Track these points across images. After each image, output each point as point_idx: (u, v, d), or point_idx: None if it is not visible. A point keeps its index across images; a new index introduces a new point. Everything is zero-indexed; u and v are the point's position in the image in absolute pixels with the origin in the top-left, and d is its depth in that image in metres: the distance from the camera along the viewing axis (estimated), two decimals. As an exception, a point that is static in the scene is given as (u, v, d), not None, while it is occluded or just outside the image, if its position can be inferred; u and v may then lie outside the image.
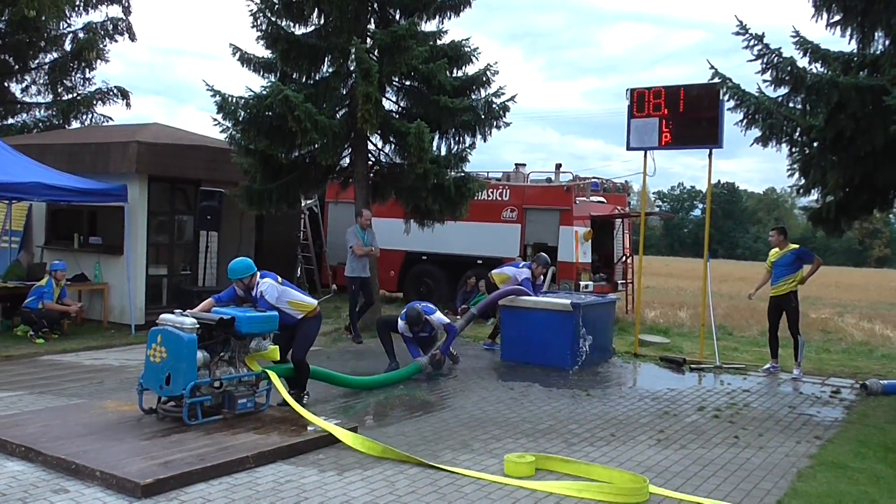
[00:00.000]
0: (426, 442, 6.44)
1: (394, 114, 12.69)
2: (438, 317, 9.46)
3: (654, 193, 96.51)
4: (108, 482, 4.88)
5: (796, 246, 10.61)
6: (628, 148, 11.60)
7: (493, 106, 12.56)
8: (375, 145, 13.06)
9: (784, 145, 9.84)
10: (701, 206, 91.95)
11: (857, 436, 7.12)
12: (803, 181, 10.43)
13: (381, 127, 11.97)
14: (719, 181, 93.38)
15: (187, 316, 6.40)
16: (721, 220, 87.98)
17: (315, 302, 7.76)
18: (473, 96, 12.88)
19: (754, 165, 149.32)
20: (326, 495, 5.04)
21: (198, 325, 6.31)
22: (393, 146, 12.89)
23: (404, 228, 13.51)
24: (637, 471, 5.80)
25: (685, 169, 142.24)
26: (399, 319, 9.41)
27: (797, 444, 6.74)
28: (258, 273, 7.25)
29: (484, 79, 12.86)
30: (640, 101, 11.39)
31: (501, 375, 9.56)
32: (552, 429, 7.01)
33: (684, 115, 11.10)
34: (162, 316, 6.48)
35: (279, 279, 7.37)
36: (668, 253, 77.75)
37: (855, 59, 9.71)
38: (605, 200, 16.79)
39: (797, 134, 9.78)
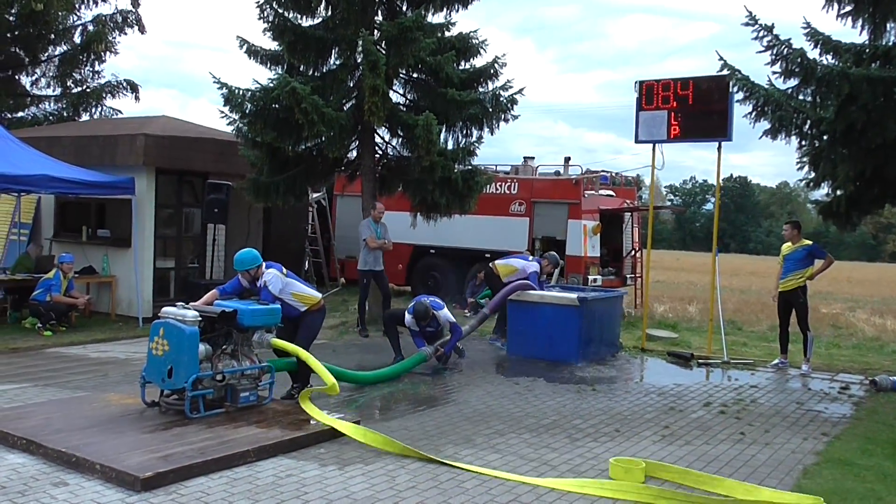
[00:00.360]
0: (428, 436, 6.42)
1: (401, 106, 12.62)
2: (445, 314, 9.42)
3: (665, 187, 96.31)
4: (107, 475, 4.87)
5: (809, 242, 10.48)
6: (636, 140, 11.53)
7: (501, 99, 12.46)
8: (383, 138, 13.00)
9: (794, 138, 9.73)
10: (713, 199, 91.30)
11: (865, 432, 7.04)
12: (813, 174, 10.32)
13: (389, 119, 11.90)
14: (731, 175, 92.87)
15: (189, 309, 6.39)
16: (733, 214, 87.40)
17: (319, 295, 7.75)
18: (481, 89, 12.79)
19: (767, 159, 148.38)
20: (326, 489, 5.02)
21: (200, 318, 6.30)
22: (400, 139, 12.82)
23: (411, 222, 13.47)
24: (641, 467, 5.76)
25: (697, 162, 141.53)
26: (406, 313, 9.38)
27: (804, 441, 6.67)
28: (264, 264, 7.24)
29: (492, 71, 12.76)
30: (649, 94, 11.30)
31: (507, 370, 9.52)
32: (556, 424, 6.97)
33: (693, 107, 11.00)
34: (164, 309, 6.47)
35: (284, 270, 7.36)
36: (679, 247, 77.42)
37: (867, 50, 9.56)
38: (614, 194, 16.68)
39: (807, 126, 9.65)
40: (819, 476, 5.69)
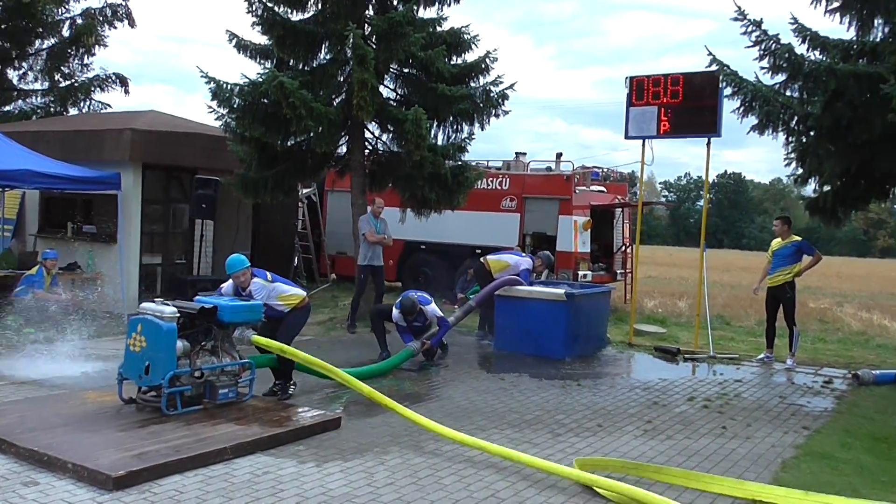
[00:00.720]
0: (410, 433, 6.37)
1: (391, 101, 12.59)
2: (433, 308, 9.39)
3: (660, 183, 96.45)
4: (79, 474, 4.82)
5: (799, 238, 10.49)
6: (626, 136, 11.57)
7: (492, 94, 12.44)
8: (372, 133, 12.98)
9: (781, 133, 9.71)
10: (707, 196, 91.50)
11: (846, 426, 7.06)
12: (801, 170, 10.33)
13: (378, 114, 11.88)
14: (726, 171, 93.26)
15: (168, 305, 6.35)
16: (727, 210, 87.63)
17: (304, 293, 7.73)
18: (472, 84, 12.76)
19: (762, 155, 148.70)
20: (303, 487, 4.99)
21: (178, 315, 6.26)
22: (390, 134, 12.79)
23: (401, 217, 13.43)
24: (621, 462, 5.74)
25: (692, 159, 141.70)
26: (393, 308, 9.35)
27: (784, 435, 6.67)
28: (251, 269, 7.21)
29: (483, 66, 12.74)
30: (640, 89, 11.33)
31: (493, 365, 9.51)
32: (539, 419, 6.95)
33: (683, 103, 11.01)
34: (142, 304, 6.44)
35: (268, 276, 7.36)
36: (673, 243, 77.45)
37: (854, 46, 9.54)
38: (605, 190, 16.67)
39: (794, 122, 9.63)
40: (797, 469, 5.69)
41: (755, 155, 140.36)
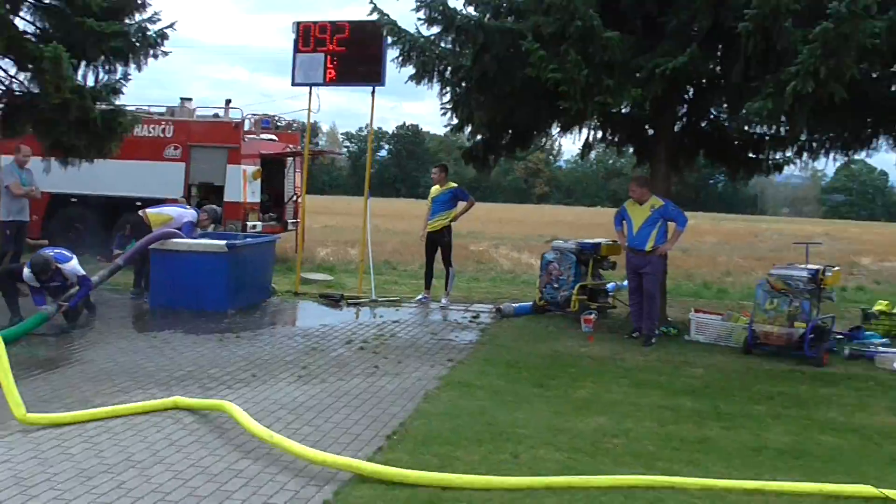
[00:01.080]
0: (42, 402, 5.72)
1: (29, 35, 11.07)
2: (73, 266, 8.47)
3: (342, 134, 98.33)
4: None
5: (455, 185, 11.17)
6: (293, 83, 11.51)
7: (149, 33, 11.50)
8: (6, 72, 11.33)
9: (436, 84, 10.18)
10: (387, 146, 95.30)
11: (485, 355, 7.71)
12: (455, 120, 10.96)
13: (12, 50, 10.39)
14: (405, 123, 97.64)
15: None
16: (405, 161, 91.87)
17: None
18: (128, 21, 11.69)
19: (439, 107, 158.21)
20: None
21: None
22: (29, 73, 11.26)
23: (44, 167, 11.99)
24: (272, 409, 5.69)
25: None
26: (25, 268, 8.30)
27: (431, 368, 7.09)
28: None
29: (139, 2, 11.71)
30: (307, 36, 11.22)
31: (146, 324, 8.96)
32: (190, 375, 6.63)
33: (349, 51, 11.07)
34: None
35: None
36: (354, 192, 79.34)
37: (504, 4, 10.24)
38: (276, 138, 16.41)
39: (448, 73, 10.15)
40: (437, 399, 6.07)
41: (433, 107, 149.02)
